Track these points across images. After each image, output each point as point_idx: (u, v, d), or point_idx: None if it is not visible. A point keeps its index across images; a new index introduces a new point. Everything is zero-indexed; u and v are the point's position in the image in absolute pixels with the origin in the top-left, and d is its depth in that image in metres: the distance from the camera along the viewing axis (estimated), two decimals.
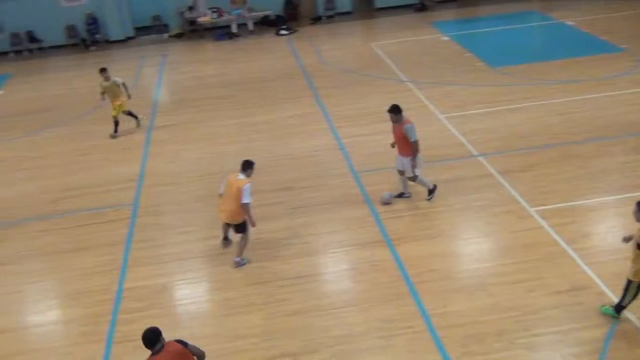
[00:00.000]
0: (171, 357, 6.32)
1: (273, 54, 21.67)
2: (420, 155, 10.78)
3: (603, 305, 8.18)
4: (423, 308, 8.56)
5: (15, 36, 24.91)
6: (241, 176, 9.45)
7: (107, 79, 15.05)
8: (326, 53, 20.91)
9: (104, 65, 15.72)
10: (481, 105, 15.06)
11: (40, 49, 25.09)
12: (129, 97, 15.37)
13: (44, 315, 9.33)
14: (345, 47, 21.81)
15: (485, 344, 7.86)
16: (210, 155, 13.83)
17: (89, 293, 9.51)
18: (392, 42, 21.35)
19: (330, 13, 25.92)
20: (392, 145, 11.16)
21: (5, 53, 24.80)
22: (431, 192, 11.20)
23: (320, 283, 9.44)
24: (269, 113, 15.93)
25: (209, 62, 21.95)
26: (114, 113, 15.21)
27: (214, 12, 24.59)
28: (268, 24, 25.18)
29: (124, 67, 21.83)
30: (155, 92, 18.81)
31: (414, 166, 10.74)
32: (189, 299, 9.35)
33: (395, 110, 10.58)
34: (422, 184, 11.11)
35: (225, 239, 10.26)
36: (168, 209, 11.85)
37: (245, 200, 9.30)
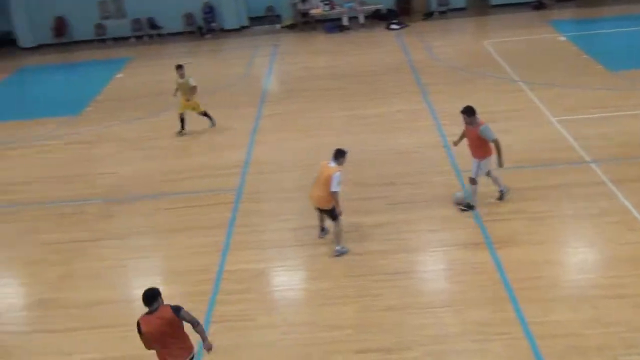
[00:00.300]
0: (160, 322, 6.79)
1: (383, 48, 21.59)
2: (488, 161, 10.45)
3: None
4: (522, 315, 8.30)
5: (136, 22, 26.10)
6: (332, 164, 9.61)
7: (182, 76, 14.95)
8: (437, 49, 20.62)
9: (181, 63, 15.61)
10: (596, 110, 14.39)
11: (159, 35, 26.16)
12: (187, 100, 15.01)
13: None
14: (456, 44, 21.44)
15: (586, 358, 7.54)
16: (315, 146, 13.95)
17: (191, 272, 9.85)
18: (506, 40, 20.77)
19: (443, 9, 25.54)
20: (455, 144, 11.12)
21: (127, 38, 26.02)
22: (469, 207, 10.77)
23: (417, 280, 9.34)
24: (377, 107, 15.89)
25: (319, 54, 22.14)
26: (180, 110, 15.17)
27: (326, 4, 24.81)
28: (379, 17, 25.11)
29: (237, 55, 22.47)
30: (265, 82, 19.18)
31: (480, 168, 10.49)
32: (286, 286, 9.51)
33: (469, 112, 10.36)
34: (471, 192, 10.77)
35: (322, 229, 10.39)
36: (270, 197, 12.07)
37: (333, 189, 9.44)
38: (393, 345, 7.98)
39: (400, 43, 21.82)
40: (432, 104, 15.71)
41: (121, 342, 8.41)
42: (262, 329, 8.44)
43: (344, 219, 9.93)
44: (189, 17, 26.12)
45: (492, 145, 10.33)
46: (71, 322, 8.91)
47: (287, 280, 9.67)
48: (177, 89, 15.23)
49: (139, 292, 9.49)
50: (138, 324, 6.87)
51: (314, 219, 10.69)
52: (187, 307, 8.95)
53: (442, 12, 25.48)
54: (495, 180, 10.92)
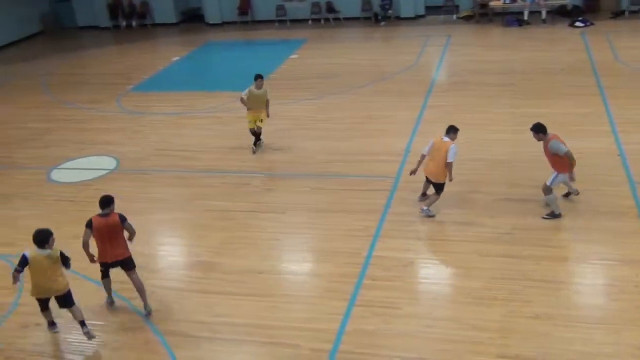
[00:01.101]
0: (107, 225, 8.57)
1: (563, 46, 20.60)
2: (563, 175, 10.39)
3: None
4: None
5: (315, 5, 26.82)
6: (446, 139, 10.59)
7: (259, 87, 13.76)
8: (623, 51, 19.32)
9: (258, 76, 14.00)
10: None
11: (335, 19, 26.70)
12: (268, 115, 14.02)
13: (298, 265, 10.10)
14: None
15: None
16: (478, 141, 13.66)
17: (341, 253, 10.06)
18: None
19: (635, 8, 23.82)
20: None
21: (305, 20, 26.82)
22: (553, 215, 10.53)
23: (571, 292, 8.89)
24: (547, 107, 15.21)
25: (494, 48, 21.55)
26: (250, 126, 13.97)
27: None
28: (562, 14, 23.96)
29: (409, 44, 22.42)
30: (435, 72, 18.99)
31: (555, 180, 10.44)
32: (432, 279, 9.45)
33: (536, 129, 10.50)
34: (551, 201, 10.53)
35: (423, 194, 11.26)
36: None
37: (450, 160, 10.40)
38: (537, 355, 7.68)
39: (583, 42, 20.69)
40: (610, 108, 14.78)
41: (269, 312, 8.81)
42: (406, 318, 8.47)
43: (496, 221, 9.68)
44: (366, 3, 26.43)
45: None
46: (226, 287, 9.44)
47: (435, 273, 9.61)
48: (248, 98, 13.77)
49: (290, 266, 10.02)
50: (90, 220, 8.63)
51: (470, 215, 10.68)
52: (333, 286, 9.28)
53: (634, 12, 23.77)
54: (568, 185, 10.92)
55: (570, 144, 13.05)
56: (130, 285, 9.12)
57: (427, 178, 11.01)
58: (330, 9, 26.74)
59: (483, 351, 7.84)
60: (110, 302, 9.21)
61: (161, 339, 8.39)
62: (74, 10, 29.29)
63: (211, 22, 27.97)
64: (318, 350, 8.04)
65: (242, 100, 13.91)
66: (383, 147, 13.82)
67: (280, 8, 27.17)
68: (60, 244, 10.93)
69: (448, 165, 10.45)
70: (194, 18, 29.33)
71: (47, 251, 8.16)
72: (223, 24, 27.87)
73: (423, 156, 10.92)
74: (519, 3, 23.89)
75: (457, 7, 26.00)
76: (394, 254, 9.92)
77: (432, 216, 10.84)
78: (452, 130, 10.71)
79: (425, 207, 10.85)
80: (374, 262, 9.77)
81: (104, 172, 13.63)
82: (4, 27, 26.50)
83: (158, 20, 28.76)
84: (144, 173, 13.49)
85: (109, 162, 14.10)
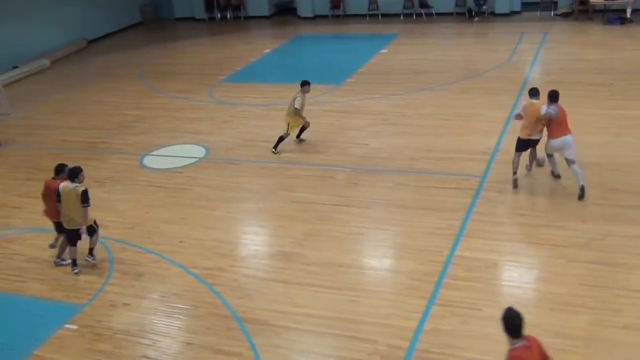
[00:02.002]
0: (51, 189, 9.85)
1: None
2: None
3: None
4: None
5: (408, 0, 26.56)
6: (534, 100, 11.17)
7: (307, 91, 13.84)
8: None
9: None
10: None
11: (428, 14, 26.37)
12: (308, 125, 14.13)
13: (379, 260, 10.07)
14: None
15: None
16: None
17: (423, 251, 9.95)
18: None
19: None
20: None
21: (397, 15, 26.62)
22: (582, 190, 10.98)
23: None
24: None
25: (592, 46, 20.75)
26: (290, 129, 13.99)
27: None
28: None
29: (503, 41, 21.90)
30: (529, 70, 18.46)
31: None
32: (515, 282, 9.20)
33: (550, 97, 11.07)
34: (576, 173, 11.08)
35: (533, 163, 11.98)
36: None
37: (542, 112, 10.87)
38: None
39: None
40: None
41: (348, 305, 8.83)
42: (485, 320, 8.29)
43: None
44: None
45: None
46: (306, 278, 9.52)
47: (518, 277, 9.34)
48: (302, 105, 13.77)
49: (371, 262, 10.01)
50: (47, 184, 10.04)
51: (559, 219, 10.38)
52: (414, 283, 9.20)
53: None
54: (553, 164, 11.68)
55: None
56: (215, 272, 9.35)
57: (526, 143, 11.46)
58: (423, 3, 26.43)
59: (566, 359, 7.58)
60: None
61: (241, 326, 8.56)
62: (172, 2, 30.22)
63: (303, 15, 28.22)
64: (395, 347, 8.00)
65: (298, 110, 13.66)
66: (471, 145, 13.57)
67: (372, 2, 27.10)
68: (149, 227, 11.38)
69: (540, 118, 10.95)
70: (287, 11, 29.68)
71: (75, 185, 9.65)
72: (315, 18, 28.06)
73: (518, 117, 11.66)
74: (622, 0, 22.87)
75: (555, 3, 25.17)
76: (476, 255, 9.74)
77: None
78: (535, 93, 11.29)
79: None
80: (456, 261, 9.61)
81: (194, 160, 14.02)
82: (105, 17, 27.65)
83: (252, 13, 29.27)
84: (232, 162, 13.77)
85: (198, 151, 14.48)
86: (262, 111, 16.83)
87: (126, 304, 9.25)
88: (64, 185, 9.66)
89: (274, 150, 14.01)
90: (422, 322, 8.36)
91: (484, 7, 25.45)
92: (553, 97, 10.98)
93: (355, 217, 11.18)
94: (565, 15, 24.45)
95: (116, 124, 16.80)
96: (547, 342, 7.75)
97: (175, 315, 8.98)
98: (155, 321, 8.92)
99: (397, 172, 12.70)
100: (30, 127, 17.22)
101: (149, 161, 14.23)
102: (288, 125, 13.98)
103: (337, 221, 11.07)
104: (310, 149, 14.11)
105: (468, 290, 8.93)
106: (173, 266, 10.07)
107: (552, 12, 24.91)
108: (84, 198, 9.56)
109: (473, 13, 25.51)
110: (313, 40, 25.33)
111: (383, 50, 22.06)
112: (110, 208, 11.99)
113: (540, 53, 20.14)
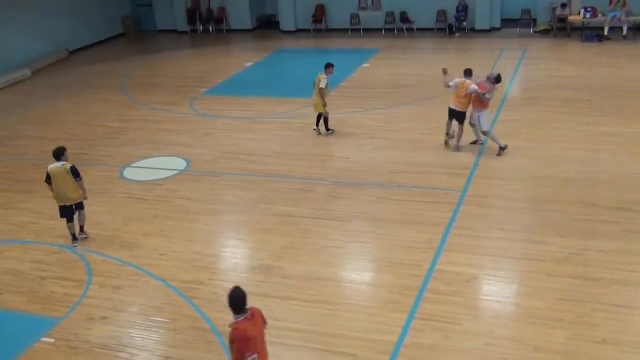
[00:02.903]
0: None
1: None
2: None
3: None
4: None
5: (390, 15, 26.80)
6: (468, 80, 13.47)
7: (331, 73, 15.14)
8: None
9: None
10: None
11: (409, 29, 26.58)
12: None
13: (359, 274, 10.05)
14: None
15: None
16: (550, 157, 13.34)
17: (403, 265, 9.96)
18: None
19: None
20: None
21: (378, 29, 26.81)
22: (501, 149, 13.60)
23: None
24: (624, 126, 14.74)
25: (570, 63, 21.01)
26: (321, 110, 15.20)
27: (588, 11, 23.39)
28: None
29: (483, 56, 22.11)
30: (508, 86, 18.65)
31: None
32: (496, 297, 9.23)
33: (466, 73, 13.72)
34: (494, 139, 13.69)
35: (448, 135, 14.10)
36: (494, 203, 11.77)
37: (470, 90, 13.28)
38: None
39: None
40: None
41: (328, 319, 8.80)
42: (466, 335, 8.31)
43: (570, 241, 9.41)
44: (441, 14, 26.23)
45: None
46: (286, 291, 9.48)
47: (499, 291, 9.38)
48: (326, 86, 15.03)
49: (352, 275, 10.00)
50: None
51: (538, 234, 10.46)
52: (394, 297, 9.19)
53: None
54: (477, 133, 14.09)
55: None
56: (194, 285, 9.30)
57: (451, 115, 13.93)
58: (405, 19, 26.65)
59: None
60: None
61: (220, 340, 8.50)
62: (154, 14, 30.19)
63: (286, 29, 28.31)
64: None
65: (323, 90, 14.95)
66: (451, 159, 13.66)
67: (354, 17, 27.27)
68: (129, 240, 11.30)
69: (469, 94, 13.36)
70: (269, 25, 29.78)
71: (62, 163, 10.44)
72: (297, 32, 28.17)
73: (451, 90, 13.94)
74: (600, 18, 23.22)
75: (534, 20, 25.49)
76: (457, 269, 9.77)
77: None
78: (469, 74, 13.70)
79: (457, 144, 13.94)
80: (436, 275, 9.64)
81: (174, 172, 13.96)
82: (87, 28, 27.55)
83: (234, 26, 29.32)
84: (213, 175, 13.74)
85: (179, 163, 14.43)
86: (244, 124, 16.82)
87: (104, 317, 9.15)
88: (52, 166, 10.48)
89: (327, 130, 15.35)
90: (402, 336, 8.36)
91: (465, 23, 25.71)
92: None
93: (336, 231, 11.17)
94: (544, 33, 24.77)
95: (97, 135, 16.69)
96: (527, 357, 7.87)
97: (154, 329, 8.89)
98: (134, 335, 8.82)
99: (378, 185, 12.74)
100: (10, 138, 17.06)
101: (129, 173, 14.14)
102: (321, 106, 15.08)
103: (317, 234, 11.07)
104: (291, 162, 14.11)
105: (448, 304, 8.95)
106: (152, 279, 9.99)
107: (532, 29, 25.23)
108: (75, 173, 10.49)
109: (454, 29, 25.76)
110: (295, 54, 25.41)
111: (365, 65, 22.18)
112: (89, 220, 11.87)
113: (520, 69, 20.37)
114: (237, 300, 6.49)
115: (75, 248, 10.92)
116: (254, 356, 6.38)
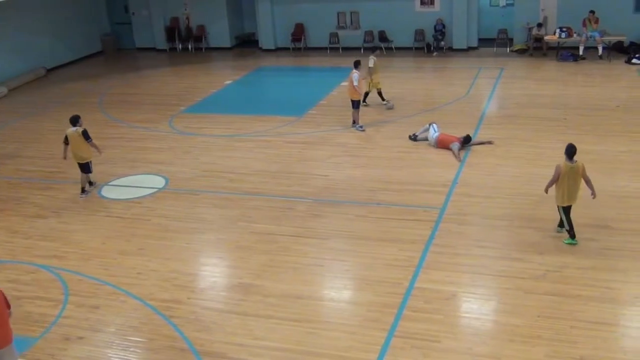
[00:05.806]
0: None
1: (618, 83, 20.26)
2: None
3: None
4: None
5: (368, 34, 26.99)
6: (354, 70, 16.55)
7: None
8: None
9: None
10: None
11: (388, 48, 26.78)
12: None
13: (339, 292, 10.03)
14: None
15: None
16: (528, 175, 13.47)
17: (382, 283, 9.96)
18: None
19: None
20: None
21: (357, 48, 26.96)
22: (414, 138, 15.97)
23: (619, 335, 8.62)
24: (598, 144, 14.93)
25: (547, 82, 21.28)
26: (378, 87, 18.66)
27: (563, 31, 23.74)
28: (619, 50, 23.55)
29: (461, 75, 22.34)
30: (486, 104, 18.84)
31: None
32: (475, 314, 9.26)
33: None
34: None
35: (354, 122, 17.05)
36: (473, 221, 11.84)
37: (355, 83, 16.45)
38: None
39: None
40: None
41: (307, 337, 8.77)
42: (446, 352, 8.32)
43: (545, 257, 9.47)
44: (419, 34, 26.47)
45: None
46: (265, 310, 9.44)
47: (478, 308, 9.41)
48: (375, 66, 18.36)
49: (331, 293, 9.98)
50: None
51: (516, 251, 10.54)
52: (373, 315, 9.18)
53: None
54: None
55: (624, 183, 12.92)
56: (172, 304, 9.21)
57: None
58: (383, 38, 26.85)
59: None
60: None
61: (199, 359, 8.42)
62: (133, 32, 30.13)
63: (265, 47, 28.40)
64: None
65: (371, 69, 18.47)
66: (430, 177, 13.73)
67: (333, 36, 27.43)
68: (107, 258, 11.19)
69: (356, 88, 16.62)
70: (248, 43, 29.86)
71: (76, 128, 13.19)
72: (277, 50, 28.27)
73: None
74: (575, 38, 23.59)
75: (511, 40, 25.83)
76: (436, 286, 9.79)
77: (362, 130, 16.77)
78: (358, 64, 16.86)
79: (356, 126, 16.82)
80: (416, 293, 9.65)
81: (153, 190, 13.88)
82: (65, 46, 27.43)
83: (213, 44, 29.35)
84: (192, 193, 13.67)
85: (158, 181, 14.35)
86: (223, 142, 16.79)
87: (81, 337, 9.03)
88: (69, 130, 13.24)
89: (385, 102, 18.72)
90: (382, 354, 8.34)
91: (442, 42, 25.96)
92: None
93: (315, 249, 11.16)
94: (521, 52, 25.09)
95: None
96: None
97: (132, 349, 8.79)
98: (111, 355, 8.71)
99: (357, 203, 12.76)
100: None
101: (107, 191, 14.03)
102: (374, 84, 18.63)
103: (296, 252, 11.04)
104: (270, 180, 14.10)
105: (428, 322, 8.96)
106: (130, 298, 9.89)
107: (508, 49, 25.55)
108: (86, 135, 13.16)
109: (432, 48, 26.01)
110: (274, 72, 25.48)
111: (344, 83, 22.18)
112: (66, 239, 11.76)
113: (497, 87, 20.60)
114: None
115: (82, 197, 13.63)
116: None
